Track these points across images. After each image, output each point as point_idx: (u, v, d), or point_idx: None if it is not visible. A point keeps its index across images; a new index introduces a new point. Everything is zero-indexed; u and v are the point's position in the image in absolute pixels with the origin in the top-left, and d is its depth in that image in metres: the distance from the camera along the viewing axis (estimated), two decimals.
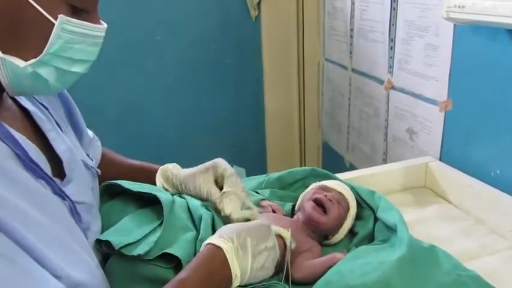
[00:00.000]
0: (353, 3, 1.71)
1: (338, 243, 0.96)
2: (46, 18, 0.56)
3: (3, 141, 0.56)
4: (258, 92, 2.29)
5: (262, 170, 2.31)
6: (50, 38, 0.57)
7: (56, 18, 0.56)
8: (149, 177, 0.91)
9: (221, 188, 0.85)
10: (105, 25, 0.63)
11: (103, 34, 0.63)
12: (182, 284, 0.62)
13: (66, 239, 0.57)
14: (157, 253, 0.69)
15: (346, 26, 1.79)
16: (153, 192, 0.79)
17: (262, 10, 2.14)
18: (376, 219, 0.97)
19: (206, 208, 0.82)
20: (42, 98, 0.75)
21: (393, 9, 1.42)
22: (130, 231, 0.73)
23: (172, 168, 0.90)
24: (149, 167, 0.94)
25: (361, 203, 1.01)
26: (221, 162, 0.87)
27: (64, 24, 0.57)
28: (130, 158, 0.99)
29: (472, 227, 1.05)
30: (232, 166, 0.92)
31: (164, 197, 0.79)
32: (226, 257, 0.66)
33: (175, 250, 0.70)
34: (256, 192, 1.04)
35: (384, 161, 1.59)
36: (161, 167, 0.92)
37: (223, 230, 0.71)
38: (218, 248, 0.66)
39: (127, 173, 0.90)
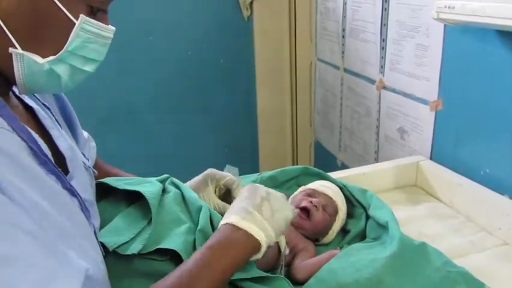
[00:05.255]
0: (345, 4, 1.72)
1: (330, 242, 0.97)
2: (68, 17, 0.58)
3: (18, 135, 0.56)
4: (251, 92, 2.29)
5: (255, 169, 2.32)
6: (70, 36, 0.59)
7: (76, 18, 0.58)
8: None
9: (221, 197, 0.92)
10: (114, 28, 0.66)
11: (112, 36, 0.65)
12: (213, 249, 0.65)
13: (74, 234, 0.57)
14: (150, 249, 0.70)
15: (338, 26, 1.80)
16: (138, 189, 0.79)
17: (255, 10, 2.14)
18: (368, 217, 0.98)
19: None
20: (41, 98, 0.75)
21: (385, 9, 1.43)
22: (123, 230, 0.74)
23: None
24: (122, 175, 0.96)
25: (353, 201, 1.02)
26: (217, 173, 0.92)
27: (83, 24, 0.59)
28: (117, 168, 1.01)
29: (462, 224, 1.06)
30: (225, 165, 0.94)
31: (150, 191, 0.78)
32: (247, 232, 0.67)
33: (168, 244, 0.71)
34: None
35: (376, 160, 1.61)
36: None
37: (236, 209, 0.72)
38: (237, 228, 0.68)
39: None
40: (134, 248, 0.70)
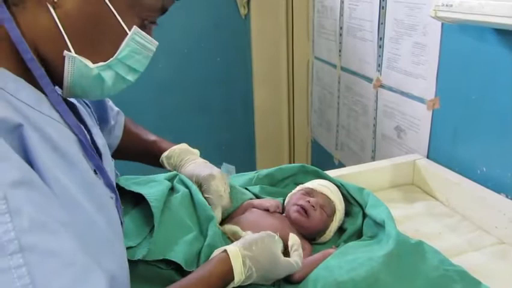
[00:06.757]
0: (342, 2, 1.72)
1: (327, 241, 0.97)
2: (122, 27, 0.61)
3: (72, 131, 0.60)
4: (248, 90, 2.29)
5: (252, 168, 2.31)
6: (122, 45, 0.62)
7: (130, 29, 0.62)
8: (158, 156, 1.01)
9: None
10: (157, 42, 0.69)
11: (155, 49, 0.68)
12: None
13: (106, 230, 0.58)
14: (155, 257, 0.70)
15: (335, 24, 1.80)
16: (142, 192, 0.78)
17: (252, 8, 2.13)
18: (365, 215, 0.97)
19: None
20: None
21: (382, 8, 1.43)
22: (130, 234, 0.74)
23: (176, 155, 1.00)
24: (159, 147, 1.03)
25: (350, 200, 1.01)
26: (211, 185, 0.90)
27: (134, 35, 0.63)
28: (147, 131, 1.08)
29: (459, 223, 1.06)
30: (221, 163, 0.94)
31: (154, 193, 0.78)
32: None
33: (173, 255, 0.71)
34: (246, 189, 1.04)
35: (373, 159, 1.60)
36: (167, 152, 1.00)
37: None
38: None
39: (142, 148, 1.02)
40: (140, 253, 0.70)
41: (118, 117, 1.01)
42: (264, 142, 2.38)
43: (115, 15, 0.60)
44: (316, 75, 2.10)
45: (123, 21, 0.61)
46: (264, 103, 2.31)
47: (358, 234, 0.96)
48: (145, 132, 1.06)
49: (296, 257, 0.79)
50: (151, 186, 0.81)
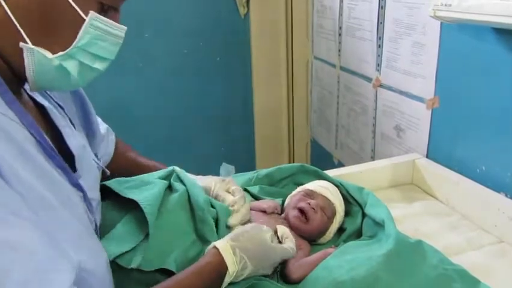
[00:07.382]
0: (341, 2, 1.72)
1: (326, 242, 0.97)
2: (78, 13, 0.58)
3: (28, 130, 0.57)
4: (247, 90, 2.29)
5: (251, 168, 2.31)
6: (80, 32, 0.59)
7: (86, 14, 0.59)
8: None
9: None
10: (125, 27, 0.66)
11: (123, 35, 0.65)
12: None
13: (76, 226, 0.58)
14: (152, 266, 0.70)
15: (335, 24, 1.80)
16: (136, 197, 0.77)
17: (251, 8, 2.13)
18: (364, 215, 0.98)
19: (211, 205, 0.82)
20: (57, 97, 0.77)
21: (381, 7, 1.43)
22: (123, 239, 0.73)
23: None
24: (157, 168, 0.98)
25: (349, 199, 1.01)
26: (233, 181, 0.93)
27: (93, 21, 0.60)
28: (141, 156, 1.03)
29: (458, 222, 1.06)
30: (221, 163, 0.94)
31: (147, 197, 0.77)
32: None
33: (170, 264, 0.71)
34: (245, 189, 1.04)
35: (372, 158, 1.61)
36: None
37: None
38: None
39: (136, 171, 0.94)
40: (135, 262, 0.70)
41: (108, 135, 0.98)
42: (263, 142, 2.38)
43: (68, 1, 0.57)
44: (316, 75, 2.10)
45: (78, 6, 0.58)
46: (264, 103, 2.31)
47: (357, 234, 0.96)
48: (140, 157, 1.04)
49: (289, 242, 0.80)
50: (145, 189, 0.80)
